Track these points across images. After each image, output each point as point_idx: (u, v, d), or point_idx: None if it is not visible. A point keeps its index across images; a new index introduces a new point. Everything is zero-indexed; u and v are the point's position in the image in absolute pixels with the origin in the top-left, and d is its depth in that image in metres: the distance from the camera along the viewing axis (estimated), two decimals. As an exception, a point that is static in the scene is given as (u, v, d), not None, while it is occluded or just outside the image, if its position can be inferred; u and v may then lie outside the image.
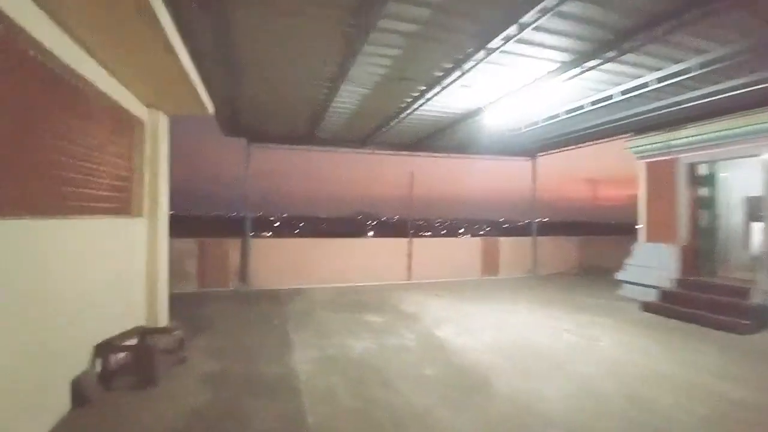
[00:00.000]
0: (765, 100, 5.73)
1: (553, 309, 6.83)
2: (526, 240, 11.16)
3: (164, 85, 4.45)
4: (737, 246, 7.73)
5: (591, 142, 9.08)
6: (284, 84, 5.50)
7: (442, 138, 8.71)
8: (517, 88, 5.43)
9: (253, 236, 8.61)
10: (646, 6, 3.52)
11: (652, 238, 8.13)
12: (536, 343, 5.03)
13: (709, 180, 7.63)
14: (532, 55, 4.44)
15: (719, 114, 6.49)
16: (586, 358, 4.55)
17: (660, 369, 4.24)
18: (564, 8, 3.42)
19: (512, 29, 3.76)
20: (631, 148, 8.17)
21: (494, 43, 3.99)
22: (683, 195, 7.58)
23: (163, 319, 5.28)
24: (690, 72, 4.74)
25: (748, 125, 6.30)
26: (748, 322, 5.58)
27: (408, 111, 6.43)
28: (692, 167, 7.55)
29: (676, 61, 4.79)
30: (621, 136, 8.42)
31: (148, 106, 5.12)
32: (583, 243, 11.91)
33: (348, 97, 6.03)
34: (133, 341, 4.03)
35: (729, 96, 5.42)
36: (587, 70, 4.66)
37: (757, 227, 7.12)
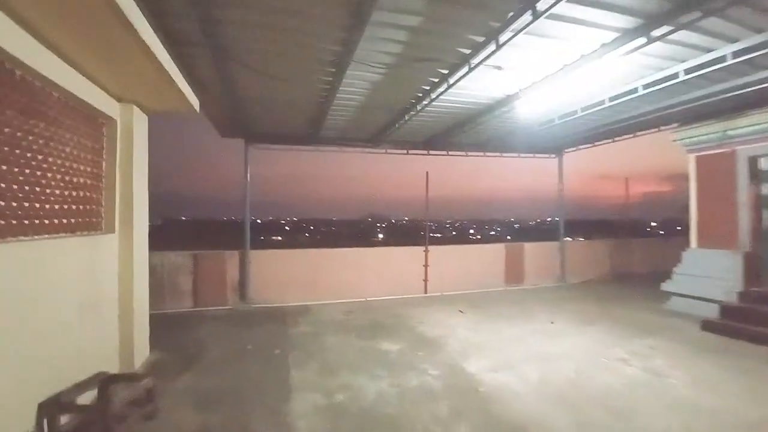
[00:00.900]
0: None
1: (600, 330, 5.85)
2: (552, 245, 10.17)
3: (133, 74, 3.63)
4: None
5: (628, 136, 8.06)
6: (280, 66, 4.51)
7: (460, 134, 7.79)
8: (558, 68, 4.52)
9: (253, 247, 7.80)
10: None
11: (705, 242, 7.10)
12: (593, 382, 4.07)
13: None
14: (589, 21, 3.52)
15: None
16: (658, 403, 3.59)
17: (750, 417, 3.30)
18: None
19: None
20: (680, 140, 7.14)
21: (543, 2, 3.08)
22: (744, 193, 6.54)
23: (141, 351, 4.46)
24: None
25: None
26: None
27: (424, 102, 5.54)
28: (754, 161, 6.50)
29: (758, 31, 3.85)
30: (664, 127, 7.42)
31: (119, 100, 4.32)
32: (614, 246, 10.86)
33: (355, 86, 5.15)
34: (91, 391, 3.21)
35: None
36: (652, 41, 3.71)
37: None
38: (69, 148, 3.51)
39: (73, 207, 3.57)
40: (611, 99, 5.47)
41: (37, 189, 3.09)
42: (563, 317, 6.61)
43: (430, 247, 8.81)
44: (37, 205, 3.08)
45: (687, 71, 4.53)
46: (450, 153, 9.29)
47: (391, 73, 4.66)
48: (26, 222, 2.95)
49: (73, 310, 3.36)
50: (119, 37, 2.84)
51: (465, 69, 4.25)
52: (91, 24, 2.69)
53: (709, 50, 4.26)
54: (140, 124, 4.58)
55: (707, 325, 5.99)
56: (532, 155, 9.87)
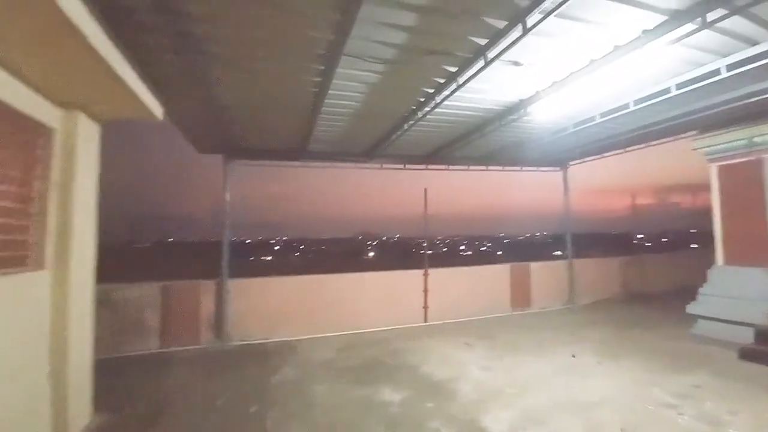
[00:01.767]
0: None
1: (630, 365, 5.08)
2: (560, 264, 9.47)
3: (64, 65, 2.87)
4: None
5: (641, 145, 7.49)
6: (261, 61, 3.76)
7: (464, 147, 7.12)
8: (585, 64, 3.88)
9: (239, 270, 6.92)
10: None
11: (733, 259, 6.45)
12: (646, 441, 3.29)
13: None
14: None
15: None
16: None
17: None
18: None
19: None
20: (701, 148, 6.58)
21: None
22: (775, 205, 5.96)
23: (80, 417, 3.54)
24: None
25: None
26: None
27: (427, 108, 4.84)
28: (785, 170, 5.95)
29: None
30: (683, 136, 6.87)
31: (61, 105, 3.53)
32: (625, 264, 10.22)
33: (348, 88, 4.41)
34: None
35: None
36: (705, 27, 3.08)
37: None
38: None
39: (-18, 239, 2.73)
40: (636, 102, 4.84)
41: None
42: (583, 348, 5.83)
43: (430, 270, 8.02)
44: None
45: (729, 67, 3.93)
46: (450, 167, 8.60)
47: (391, 71, 3.95)
48: None
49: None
50: (37, 11, 2.09)
51: (480, 63, 3.54)
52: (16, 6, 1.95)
53: (755, 43, 3.69)
54: (88, 134, 3.78)
55: (746, 353, 5.30)
56: (535, 168, 9.25)
